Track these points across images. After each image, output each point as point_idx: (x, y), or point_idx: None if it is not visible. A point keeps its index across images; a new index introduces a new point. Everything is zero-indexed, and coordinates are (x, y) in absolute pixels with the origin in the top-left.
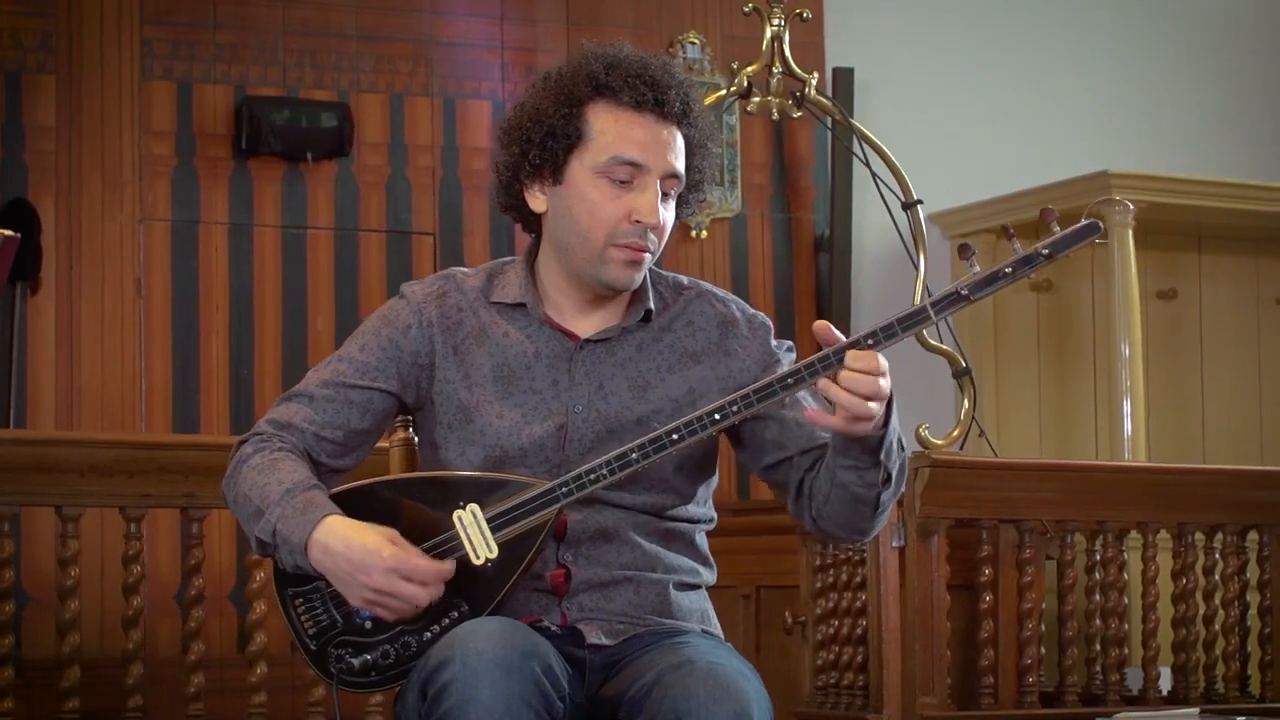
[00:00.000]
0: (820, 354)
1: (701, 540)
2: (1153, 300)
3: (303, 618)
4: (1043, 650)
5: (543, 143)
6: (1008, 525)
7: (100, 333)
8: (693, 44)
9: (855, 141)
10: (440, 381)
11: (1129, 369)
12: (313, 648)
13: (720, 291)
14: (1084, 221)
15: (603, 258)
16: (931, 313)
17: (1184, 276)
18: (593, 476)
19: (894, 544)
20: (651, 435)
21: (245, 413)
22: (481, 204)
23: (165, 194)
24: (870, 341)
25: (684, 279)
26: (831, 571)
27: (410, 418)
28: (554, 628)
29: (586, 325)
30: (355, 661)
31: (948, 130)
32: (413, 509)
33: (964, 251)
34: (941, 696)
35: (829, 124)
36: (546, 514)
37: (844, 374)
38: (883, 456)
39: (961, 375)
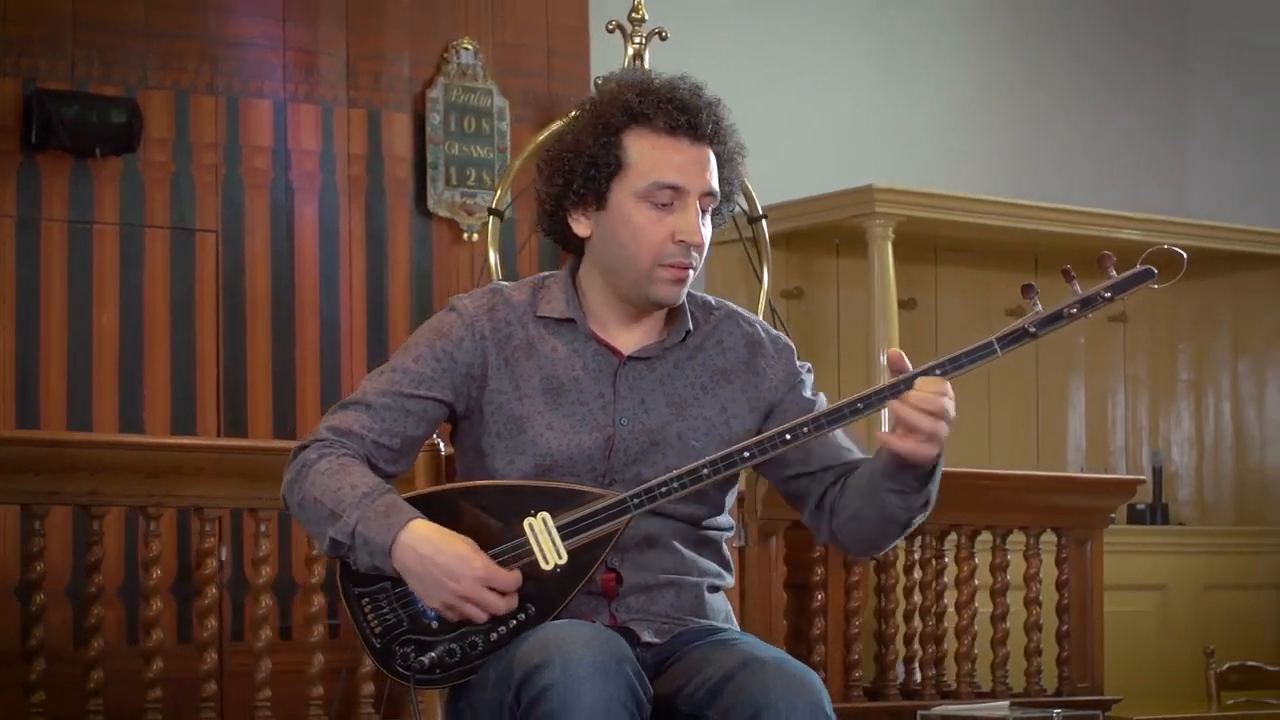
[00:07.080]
0: (893, 381)
1: (725, 547)
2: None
3: (369, 617)
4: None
5: (585, 172)
6: None
7: None
8: (466, 49)
9: None
10: (492, 392)
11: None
12: (377, 645)
13: (745, 312)
14: (1140, 267)
15: (650, 277)
16: (998, 348)
17: (923, 288)
18: (664, 490)
19: (735, 544)
20: (724, 453)
21: (30, 408)
22: (263, 202)
23: None
24: (938, 371)
25: (711, 299)
26: None
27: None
28: (605, 628)
29: (628, 340)
30: (424, 659)
31: None
32: (484, 515)
33: (1027, 291)
34: None
35: None
36: (616, 524)
37: (914, 394)
38: (930, 483)
39: None
